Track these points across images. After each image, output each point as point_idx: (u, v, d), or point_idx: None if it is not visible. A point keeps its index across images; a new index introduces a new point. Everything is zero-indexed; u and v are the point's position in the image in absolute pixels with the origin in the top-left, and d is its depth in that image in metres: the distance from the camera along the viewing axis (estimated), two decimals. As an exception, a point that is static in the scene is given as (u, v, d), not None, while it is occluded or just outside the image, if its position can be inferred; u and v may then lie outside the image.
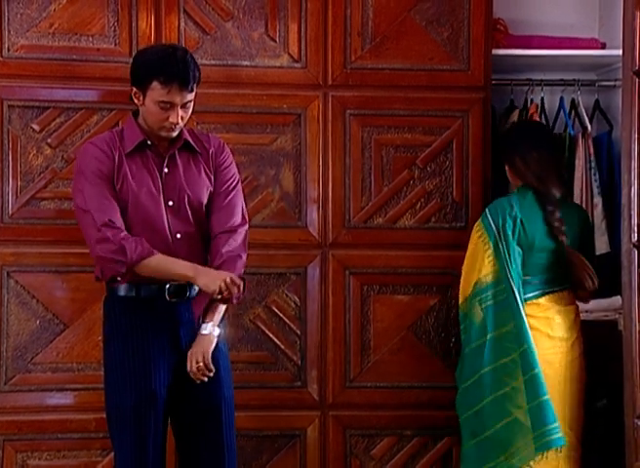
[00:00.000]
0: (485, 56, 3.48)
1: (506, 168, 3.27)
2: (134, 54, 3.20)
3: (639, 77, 2.99)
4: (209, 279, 2.54)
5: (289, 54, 3.43)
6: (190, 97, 2.58)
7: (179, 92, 2.53)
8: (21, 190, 3.33)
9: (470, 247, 3.12)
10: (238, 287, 2.52)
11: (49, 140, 3.33)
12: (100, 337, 2.87)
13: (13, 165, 3.31)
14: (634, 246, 2.84)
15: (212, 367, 2.58)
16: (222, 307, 2.66)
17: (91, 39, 3.35)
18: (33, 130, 3.33)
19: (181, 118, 2.59)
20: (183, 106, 2.57)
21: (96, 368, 3.25)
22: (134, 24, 3.35)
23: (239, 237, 2.70)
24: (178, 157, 2.67)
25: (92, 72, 3.32)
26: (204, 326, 2.61)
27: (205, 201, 2.71)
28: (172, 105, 2.55)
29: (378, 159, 3.48)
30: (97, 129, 3.33)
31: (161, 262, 2.57)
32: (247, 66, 3.40)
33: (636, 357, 2.80)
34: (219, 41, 3.40)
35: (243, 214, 2.75)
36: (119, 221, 2.59)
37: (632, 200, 2.89)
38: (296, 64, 3.44)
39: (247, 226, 2.74)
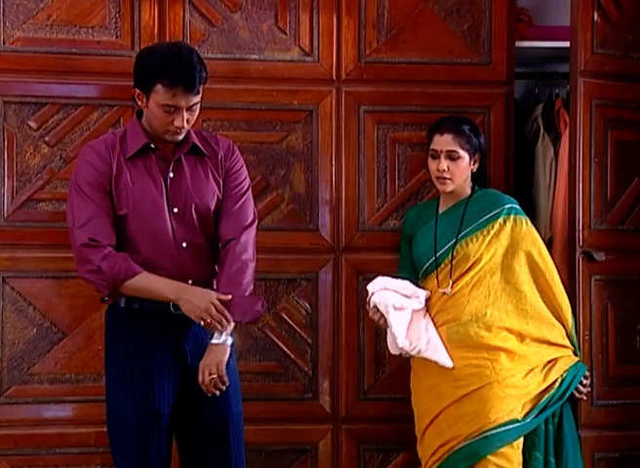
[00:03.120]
0: (508, 48, 3.44)
1: None
2: (136, 47, 3.27)
3: (585, 78, 3.23)
4: (192, 307, 2.47)
5: (300, 47, 3.39)
6: (196, 99, 2.52)
7: (184, 95, 2.47)
8: (18, 191, 3.28)
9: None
10: (227, 318, 2.45)
11: (46, 138, 3.28)
12: (100, 347, 2.84)
13: (8, 164, 3.26)
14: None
15: (226, 378, 2.51)
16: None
17: (91, 31, 3.30)
18: (30, 127, 3.28)
19: (187, 121, 2.52)
20: (189, 109, 2.51)
21: (96, 378, 3.22)
22: (136, 16, 3.29)
23: (248, 244, 2.62)
24: (184, 161, 2.60)
25: (92, 66, 3.27)
26: (216, 334, 2.53)
27: (213, 207, 2.63)
28: (177, 109, 2.49)
29: (393, 158, 3.43)
30: (97, 126, 3.30)
31: (142, 283, 2.50)
32: (255, 60, 3.36)
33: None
34: (226, 33, 3.36)
35: (252, 221, 2.67)
36: (106, 237, 2.52)
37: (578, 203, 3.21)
38: (307, 58, 3.40)
39: (255, 230, 2.67)
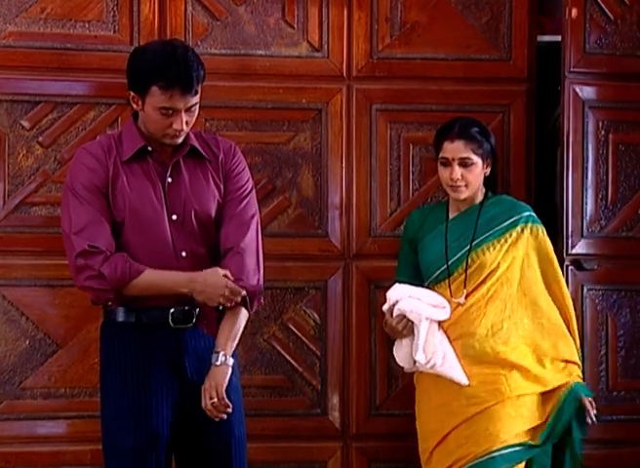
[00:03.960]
0: (529, 43, 3.41)
1: None
2: (135, 42, 3.24)
3: (575, 79, 3.26)
4: (206, 294, 2.45)
5: (308, 42, 3.37)
6: (195, 100, 2.47)
7: (181, 97, 2.42)
8: (9, 195, 3.26)
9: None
10: (240, 295, 2.45)
11: (40, 139, 3.26)
12: (96, 359, 2.77)
13: (0, 166, 3.24)
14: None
15: (227, 401, 2.47)
16: (237, 332, 2.54)
17: (87, 25, 3.27)
18: (23, 127, 3.25)
19: (186, 123, 2.49)
20: (188, 110, 2.47)
21: (92, 393, 3.18)
22: (135, 9, 3.27)
23: (251, 258, 2.55)
24: (183, 165, 2.56)
25: (88, 62, 3.25)
26: (215, 356, 2.50)
27: (214, 214, 2.58)
28: (175, 111, 2.45)
29: (407, 160, 3.39)
30: (94, 126, 3.27)
31: (148, 280, 2.46)
32: (261, 56, 3.34)
33: None
34: (230, 27, 3.34)
35: (257, 231, 2.61)
36: (104, 243, 2.48)
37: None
38: (316, 54, 3.37)
39: (260, 235, 2.62)
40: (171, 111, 2.42)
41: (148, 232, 2.50)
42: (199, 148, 2.57)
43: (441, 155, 2.88)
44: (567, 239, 3.30)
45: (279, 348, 3.34)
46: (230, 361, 2.49)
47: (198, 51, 2.67)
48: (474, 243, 2.85)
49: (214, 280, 2.44)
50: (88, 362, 3.21)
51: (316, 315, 3.35)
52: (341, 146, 3.35)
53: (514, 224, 2.87)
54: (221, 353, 2.48)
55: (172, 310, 2.50)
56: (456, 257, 2.86)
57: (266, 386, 3.32)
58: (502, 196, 3.00)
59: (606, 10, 3.34)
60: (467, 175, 2.85)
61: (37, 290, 3.23)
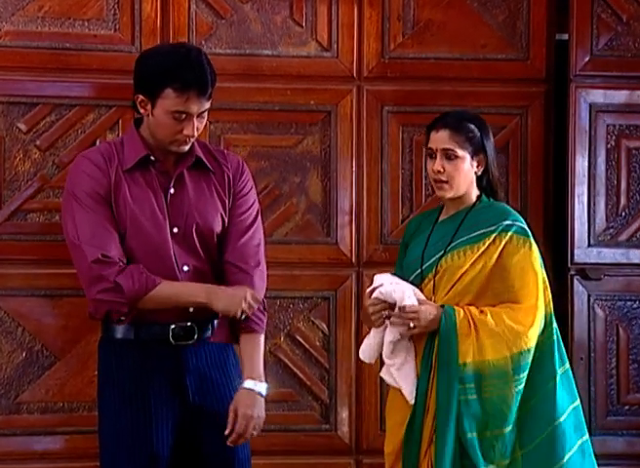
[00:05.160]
0: (547, 42, 3.40)
1: None
2: (136, 41, 3.23)
3: (576, 83, 3.27)
4: (227, 301, 2.42)
5: (317, 41, 3.37)
6: (207, 105, 2.44)
7: (197, 100, 2.39)
8: (5, 200, 3.25)
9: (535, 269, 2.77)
10: (259, 303, 2.46)
11: (38, 142, 3.26)
12: (96, 372, 2.71)
13: None
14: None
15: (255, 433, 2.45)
16: (260, 354, 2.51)
17: (87, 24, 3.27)
18: (20, 130, 3.25)
19: (197, 129, 2.46)
20: (199, 116, 2.44)
21: (91, 407, 3.15)
22: (137, 7, 3.27)
23: (260, 282, 2.53)
24: (187, 176, 2.52)
25: (88, 63, 3.25)
26: (250, 381, 2.46)
27: (217, 229, 2.53)
28: (187, 116, 2.41)
29: (419, 164, 3.36)
30: (93, 128, 3.26)
31: (166, 292, 2.43)
32: (268, 56, 3.34)
33: None
34: (235, 26, 3.33)
35: (264, 257, 2.58)
36: (116, 252, 2.44)
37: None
38: (325, 53, 3.37)
39: (265, 272, 2.58)
40: (183, 115, 2.39)
41: (150, 244, 2.46)
42: (204, 160, 2.53)
43: (427, 146, 2.78)
44: (572, 248, 3.30)
45: (286, 360, 3.32)
46: (262, 388, 2.45)
47: (202, 51, 2.67)
48: (449, 247, 2.72)
49: (232, 288, 2.44)
50: (87, 374, 3.19)
51: (325, 326, 3.34)
52: (351, 150, 3.35)
53: (491, 232, 2.71)
54: (255, 380, 2.44)
55: (172, 326, 2.45)
56: (430, 262, 2.75)
57: (273, 400, 3.16)
58: (496, 203, 2.83)
59: (616, 9, 3.32)
60: (451, 169, 2.68)
61: (34, 300, 3.22)
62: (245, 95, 3.29)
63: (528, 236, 2.68)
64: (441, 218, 2.80)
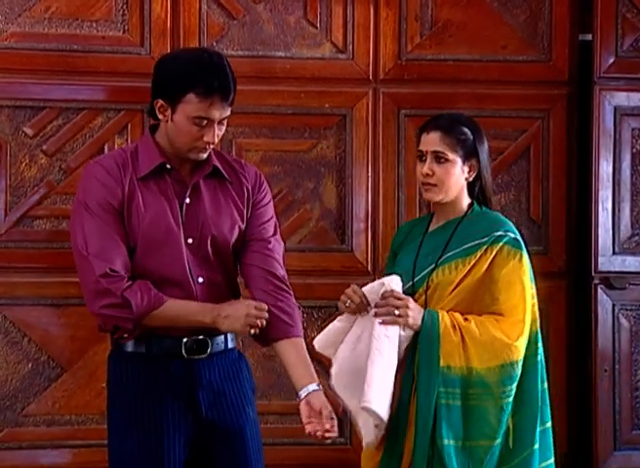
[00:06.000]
0: (570, 42, 3.40)
1: None
2: (145, 43, 3.23)
3: (600, 85, 3.25)
4: (233, 320, 2.36)
5: (332, 42, 3.36)
6: (229, 111, 2.39)
7: (220, 105, 2.35)
8: (11, 207, 3.25)
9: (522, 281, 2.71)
10: (265, 310, 2.38)
11: (44, 147, 3.25)
12: (104, 384, 2.66)
13: (1, 177, 3.24)
14: None
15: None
16: (307, 356, 2.47)
17: (95, 25, 3.27)
18: (26, 134, 3.25)
19: (217, 136, 2.42)
20: (219, 123, 2.41)
21: (99, 420, 3.15)
22: (146, 7, 3.27)
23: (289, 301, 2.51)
24: (203, 186, 2.48)
25: (96, 65, 3.26)
26: (312, 385, 2.42)
27: (233, 240, 2.49)
28: (209, 122, 2.37)
29: None
30: (101, 133, 3.26)
31: (172, 311, 2.38)
32: (281, 58, 3.34)
33: None
34: (248, 27, 3.33)
35: (284, 275, 2.54)
36: (123, 266, 2.40)
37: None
38: (340, 55, 3.36)
39: (290, 291, 2.55)
40: (205, 122, 2.35)
41: (164, 254, 2.41)
42: (221, 169, 2.49)
43: (418, 148, 2.72)
44: (595, 256, 3.29)
45: (300, 371, 3.30)
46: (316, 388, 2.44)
47: (213, 53, 2.65)
48: (440, 261, 2.66)
49: (237, 303, 2.40)
50: (95, 386, 3.18)
51: (340, 336, 3.32)
52: (367, 154, 3.34)
53: (483, 244, 2.63)
54: (313, 384, 2.41)
55: (185, 339, 2.41)
56: (421, 275, 2.68)
57: (285, 413, 3.23)
58: (488, 212, 2.76)
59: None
60: (441, 173, 2.61)
61: (41, 309, 3.22)
62: (257, 98, 3.28)
63: (520, 248, 2.61)
64: (431, 228, 2.74)
